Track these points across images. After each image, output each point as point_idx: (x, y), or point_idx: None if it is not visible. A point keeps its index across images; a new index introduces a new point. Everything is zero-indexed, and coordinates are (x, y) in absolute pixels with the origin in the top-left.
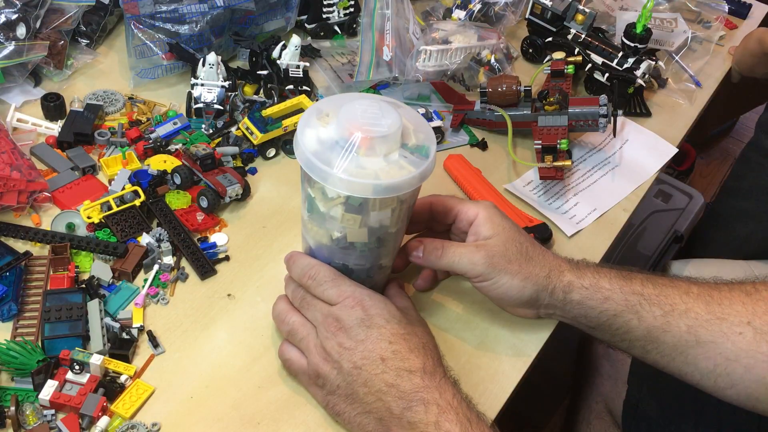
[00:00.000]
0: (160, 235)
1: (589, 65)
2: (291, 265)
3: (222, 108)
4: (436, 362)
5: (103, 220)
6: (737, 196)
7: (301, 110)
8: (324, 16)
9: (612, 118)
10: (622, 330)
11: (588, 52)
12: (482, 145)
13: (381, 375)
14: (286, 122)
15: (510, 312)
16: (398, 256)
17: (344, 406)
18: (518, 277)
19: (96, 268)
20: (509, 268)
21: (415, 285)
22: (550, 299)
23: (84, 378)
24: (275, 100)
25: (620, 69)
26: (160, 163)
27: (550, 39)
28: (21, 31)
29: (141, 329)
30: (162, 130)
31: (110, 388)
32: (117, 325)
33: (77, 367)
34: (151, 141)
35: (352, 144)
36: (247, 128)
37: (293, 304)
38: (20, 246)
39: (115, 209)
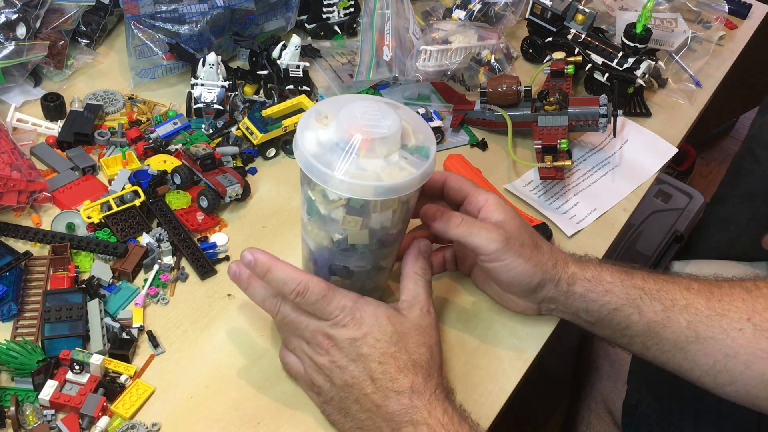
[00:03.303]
0: (160, 235)
1: (589, 65)
2: (263, 272)
3: (222, 108)
4: (426, 377)
5: (103, 220)
6: (724, 202)
7: (301, 110)
8: (324, 16)
9: (612, 118)
10: (622, 325)
11: (588, 52)
12: (482, 145)
13: (371, 395)
14: (286, 122)
15: (511, 307)
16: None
17: (338, 417)
18: (530, 263)
19: (96, 268)
20: (522, 252)
21: None
22: (554, 290)
23: (84, 378)
24: (275, 100)
25: (620, 69)
26: (160, 163)
27: (550, 39)
28: (21, 31)
29: (141, 329)
30: (162, 130)
31: (110, 388)
32: (117, 325)
33: (77, 367)
34: (151, 141)
35: (352, 146)
36: (247, 128)
37: (270, 314)
38: (20, 246)
39: (115, 209)
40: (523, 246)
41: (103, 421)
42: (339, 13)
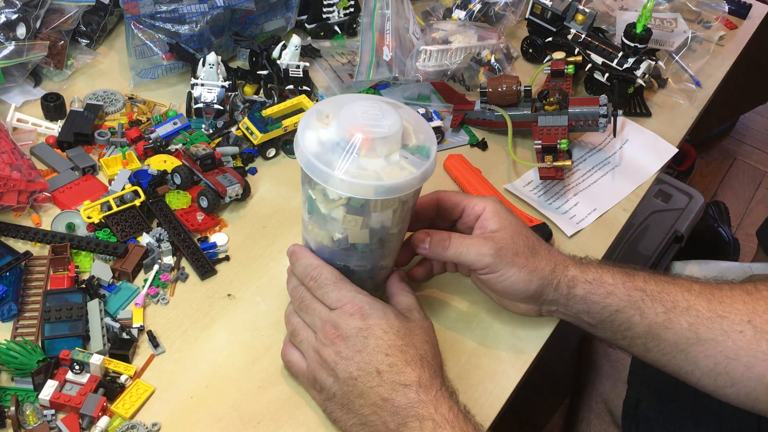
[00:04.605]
0: (160, 235)
1: (589, 65)
2: (294, 261)
3: (222, 108)
4: (433, 374)
5: (103, 220)
6: None
7: (301, 110)
8: (324, 16)
9: (612, 118)
10: (623, 327)
11: (588, 52)
12: (482, 145)
13: (376, 388)
14: (286, 122)
15: (512, 309)
16: (403, 248)
17: (341, 414)
18: (525, 271)
19: (96, 268)
20: (516, 261)
21: (411, 273)
22: (554, 294)
23: (84, 378)
24: (275, 100)
25: (620, 69)
26: (160, 163)
27: (550, 39)
28: (21, 31)
29: (141, 329)
30: (162, 130)
31: (110, 388)
32: (117, 325)
33: (77, 367)
34: (151, 141)
35: (352, 145)
36: (247, 128)
37: (293, 303)
38: (20, 246)
39: (115, 209)
40: (516, 255)
41: (103, 421)
42: (339, 13)
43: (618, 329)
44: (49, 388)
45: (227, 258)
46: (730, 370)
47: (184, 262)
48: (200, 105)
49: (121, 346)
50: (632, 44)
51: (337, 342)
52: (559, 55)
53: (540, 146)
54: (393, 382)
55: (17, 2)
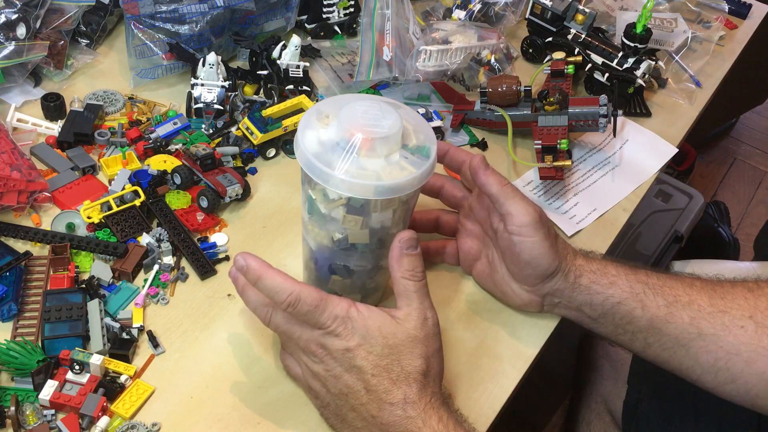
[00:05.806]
0: (160, 235)
1: (589, 65)
2: (254, 280)
3: (222, 108)
4: (421, 388)
5: (103, 220)
6: None
7: (301, 110)
8: (324, 16)
9: (612, 118)
10: (625, 320)
11: (588, 52)
12: (482, 145)
13: (366, 405)
14: (286, 122)
15: (513, 300)
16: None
17: (335, 422)
18: (553, 249)
19: (96, 268)
20: (548, 236)
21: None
22: (562, 282)
23: (84, 378)
24: (275, 100)
25: (620, 69)
26: (160, 163)
27: (550, 39)
28: (21, 31)
29: (141, 329)
30: (162, 130)
31: (110, 388)
32: (117, 325)
33: (77, 367)
34: (151, 141)
35: (352, 145)
36: (247, 128)
37: (261, 319)
38: (20, 246)
39: (115, 209)
40: (549, 231)
41: (103, 421)
42: (339, 13)
43: (619, 323)
44: (49, 388)
45: (227, 258)
46: (731, 365)
47: (184, 262)
48: (200, 105)
49: (121, 346)
50: (632, 44)
51: (325, 359)
52: (559, 55)
53: (540, 146)
54: (380, 400)
55: (17, 2)
